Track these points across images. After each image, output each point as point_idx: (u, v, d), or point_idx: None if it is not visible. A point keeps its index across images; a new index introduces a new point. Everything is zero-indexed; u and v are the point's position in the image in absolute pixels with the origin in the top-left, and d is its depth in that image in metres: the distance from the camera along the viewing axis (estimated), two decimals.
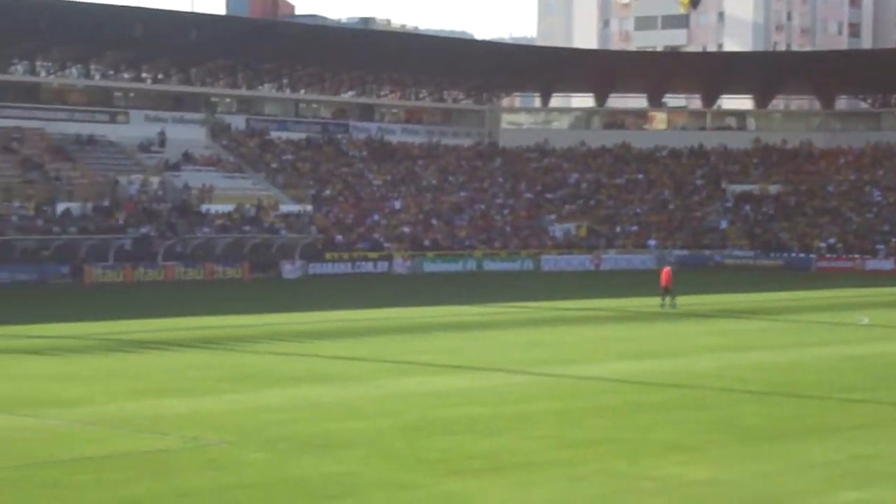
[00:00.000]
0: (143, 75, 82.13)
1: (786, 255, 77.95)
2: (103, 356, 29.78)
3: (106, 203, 64.05)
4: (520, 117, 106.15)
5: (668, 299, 43.74)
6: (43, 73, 77.71)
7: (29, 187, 63.65)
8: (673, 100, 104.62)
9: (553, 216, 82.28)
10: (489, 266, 72.95)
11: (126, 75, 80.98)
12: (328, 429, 17.62)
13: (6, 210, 60.49)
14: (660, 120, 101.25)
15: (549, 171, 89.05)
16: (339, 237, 70.54)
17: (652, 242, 79.34)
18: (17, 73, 75.88)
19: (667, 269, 45.68)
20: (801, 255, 77.60)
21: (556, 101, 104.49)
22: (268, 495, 12.59)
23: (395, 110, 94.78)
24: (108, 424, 17.66)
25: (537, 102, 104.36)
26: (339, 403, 20.72)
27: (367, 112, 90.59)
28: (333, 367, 27.18)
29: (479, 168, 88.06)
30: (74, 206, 62.56)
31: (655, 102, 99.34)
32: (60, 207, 61.92)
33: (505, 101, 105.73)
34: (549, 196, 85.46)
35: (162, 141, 73.69)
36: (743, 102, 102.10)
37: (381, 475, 13.86)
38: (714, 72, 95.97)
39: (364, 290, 55.36)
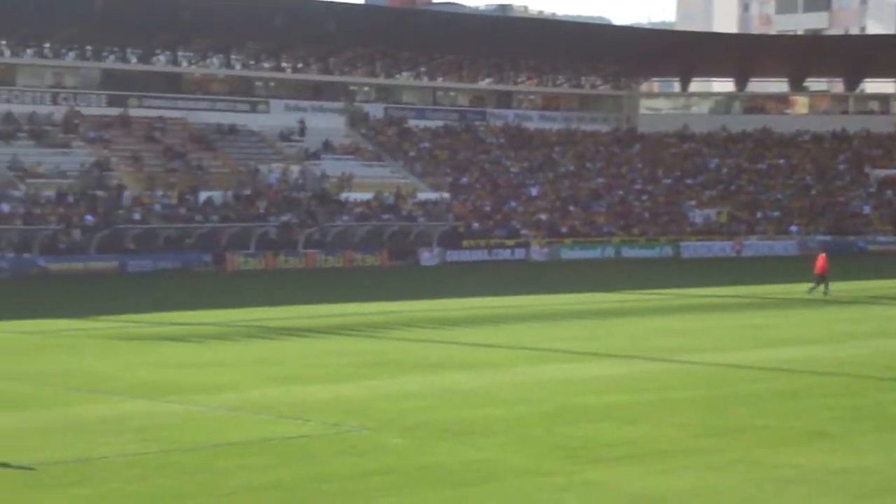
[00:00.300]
0: (283, 65, 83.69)
1: None
2: (245, 343, 30.38)
3: (247, 192, 65.38)
4: (658, 102, 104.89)
5: (819, 287, 42.82)
6: (184, 64, 79.54)
7: (171, 176, 65.43)
8: (815, 84, 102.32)
9: (693, 202, 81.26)
10: (627, 253, 72.45)
11: (266, 65, 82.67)
12: (467, 416, 17.57)
13: (149, 199, 62.19)
14: (801, 104, 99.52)
15: (688, 156, 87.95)
16: (476, 224, 70.72)
17: (794, 228, 78.19)
18: (160, 63, 78.03)
19: (822, 255, 44.37)
20: None
21: (696, 85, 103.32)
22: (407, 481, 12.61)
23: (532, 97, 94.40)
24: (251, 410, 17.95)
25: (676, 87, 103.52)
26: (477, 390, 20.66)
27: (504, 99, 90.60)
28: (471, 354, 27.12)
29: (616, 154, 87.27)
30: (216, 195, 64.07)
31: (797, 87, 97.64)
32: (202, 196, 63.46)
33: (643, 87, 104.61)
34: (688, 182, 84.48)
35: (302, 130, 74.93)
36: (886, 86, 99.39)
37: (519, 462, 13.73)
38: (856, 55, 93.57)
39: (501, 278, 55.46)
